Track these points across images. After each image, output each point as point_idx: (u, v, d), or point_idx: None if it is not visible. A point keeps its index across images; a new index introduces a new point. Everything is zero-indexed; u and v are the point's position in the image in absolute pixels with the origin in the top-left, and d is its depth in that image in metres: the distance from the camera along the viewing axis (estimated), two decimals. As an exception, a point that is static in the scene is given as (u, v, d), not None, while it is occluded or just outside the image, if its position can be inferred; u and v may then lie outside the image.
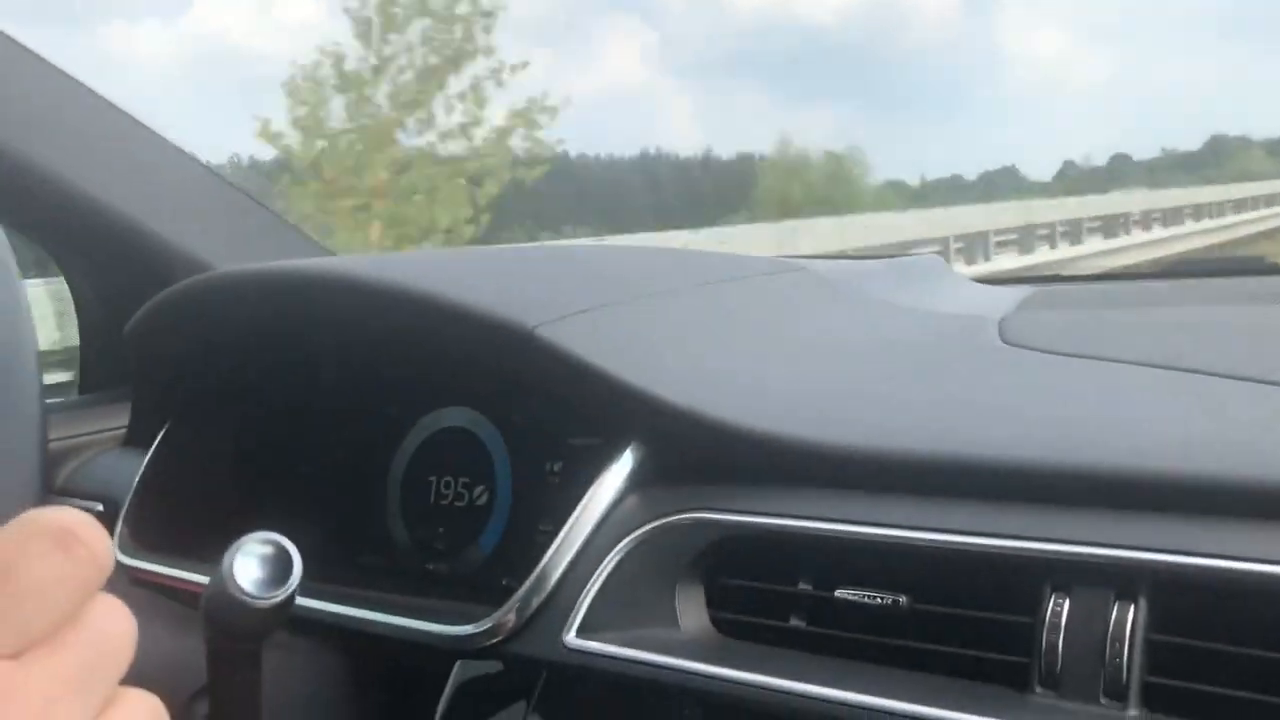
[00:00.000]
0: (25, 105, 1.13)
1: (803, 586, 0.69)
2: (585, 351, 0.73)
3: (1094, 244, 12.41)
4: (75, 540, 0.30)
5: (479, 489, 0.96)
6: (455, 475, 0.98)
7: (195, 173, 1.20)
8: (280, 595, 0.55)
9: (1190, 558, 0.55)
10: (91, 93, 1.17)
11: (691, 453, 0.72)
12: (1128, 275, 1.41)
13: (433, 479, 0.99)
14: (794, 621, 0.69)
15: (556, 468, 0.92)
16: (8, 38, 1.11)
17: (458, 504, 0.97)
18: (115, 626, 0.32)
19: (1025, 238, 11.81)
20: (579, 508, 0.74)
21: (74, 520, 0.31)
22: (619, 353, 0.74)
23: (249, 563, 0.55)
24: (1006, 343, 0.85)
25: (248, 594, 0.55)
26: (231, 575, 0.55)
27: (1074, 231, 12.56)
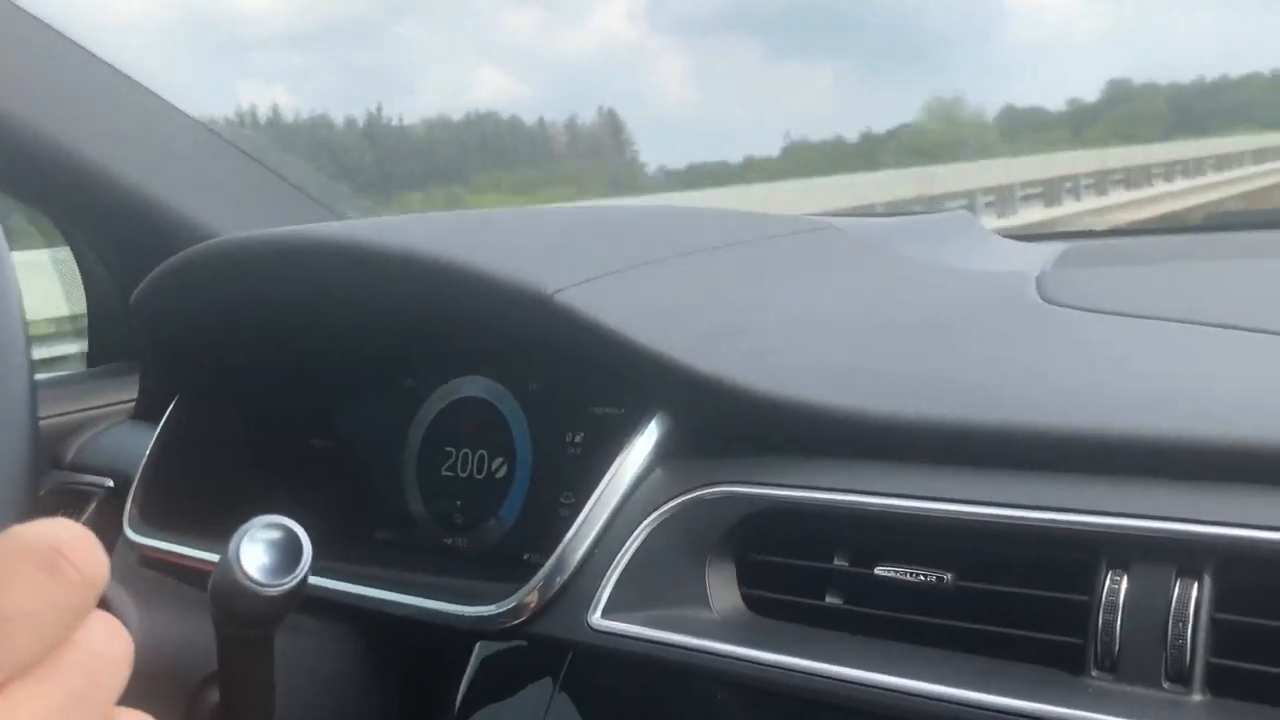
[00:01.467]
0: (26, 71, 1.09)
1: (839, 563, 0.65)
2: (607, 317, 0.69)
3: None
4: (63, 561, 0.28)
5: (498, 460, 0.93)
6: (473, 447, 0.95)
7: (200, 136, 1.16)
8: (289, 582, 0.53)
9: (1259, 531, 0.52)
10: (92, 56, 1.13)
11: (720, 423, 0.69)
12: (1162, 229, 1.37)
13: (451, 451, 0.96)
14: (830, 600, 0.65)
15: (578, 438, 0.88)
16: (7, 2, 1.07)
17: (476, 476, 0.94)
18: (110, 649, 0.30)
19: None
20: (603, 482, 0.70)
21: (62, 537, 0.28)
22: (643, 318, 0.70)
23: (256, 548, 0.52)
24: (1047, 301, 0.81)
25: (255, 581, 0.52)
26: (238, 561, 0.52)
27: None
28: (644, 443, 0.71)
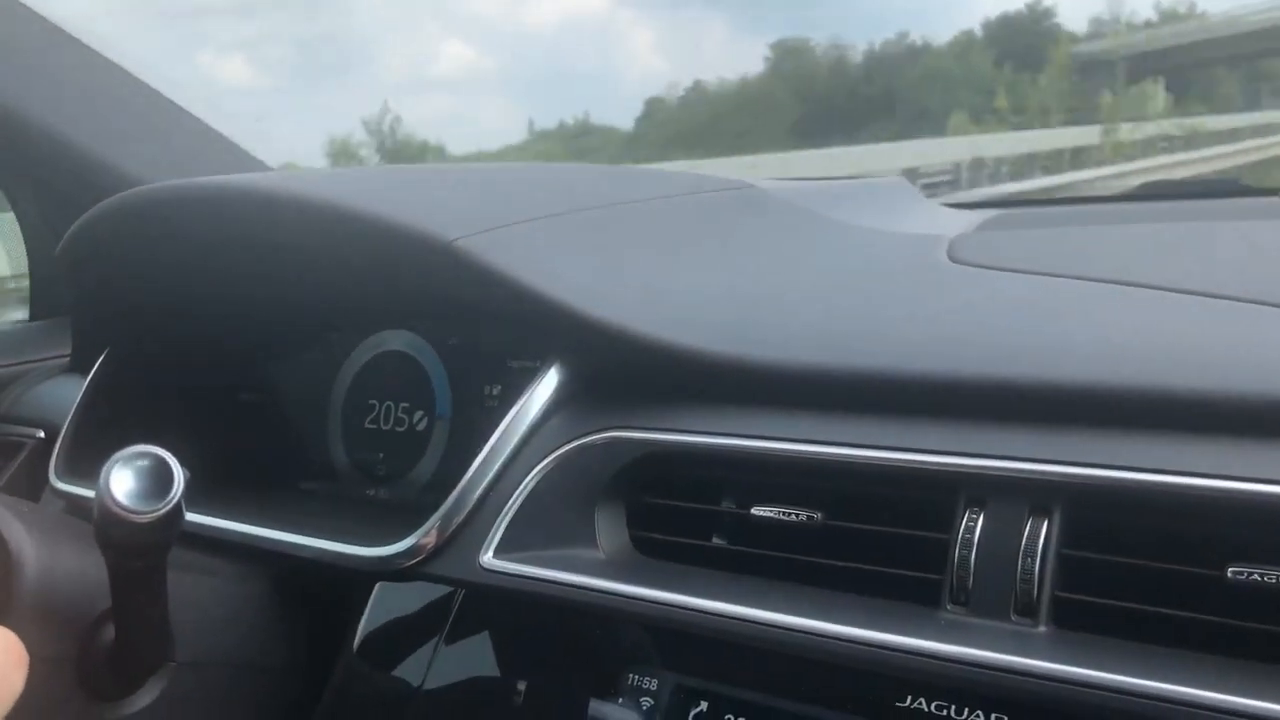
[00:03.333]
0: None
1: (725, 505, 0.67)
2: (505, 265, 0.70)
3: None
4: None
5: (419, 414, 0.94)
6: (396, 400, 0.96)
7: (135, 89, 1.17)
8: (161, 509, 0.54)
9: (1103, 470, 0.53)
10: (30, 11, 1.14)
11: (613, 369, 0.70)
12: (1098, 198, 1.38)
13: (374, 404, 0.97)
14: (716, 541, 0.67)
15: (496, 391, 0.90)
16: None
17: (398, 429, 0.96)
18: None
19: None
20: (500, 426, 0.72)
21: None
22: (540, 266, 0.71)
23: (124, 475, 0.53)
24: (953, 260, 0.82)
25: (124, 508, 0.53)
26: (108, 489, 0.53)
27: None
28: (543, 390, 0.73)
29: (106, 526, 0.55)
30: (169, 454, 0.54)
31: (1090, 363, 0.57)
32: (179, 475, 0.54)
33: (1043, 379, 0.57)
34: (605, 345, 0.69)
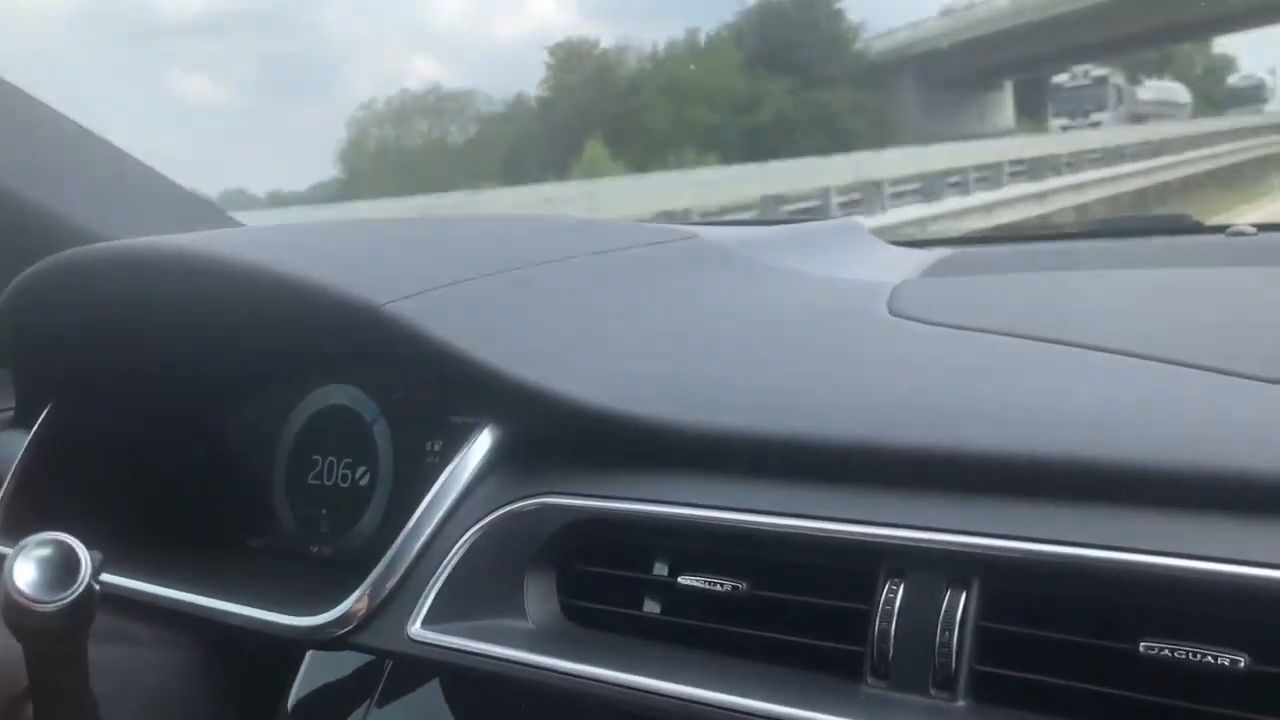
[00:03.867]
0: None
1: (657, 572, 0.67)
2: (435, 329, 0.70)
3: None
4: None
5: (361, 469, 0.94)
6: (339, 455, 0.95)
7: (83, 140, 1.16)
8: (68, 596, 0.53)
9: (1018, 542, 0.53)
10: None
11: (547, 434, 0.70)
12: (1052, 235, 1.39)
13: (318, 459, 0.97)
14: (647, 608, 0.67)
15: (437, 447, 0.89)
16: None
17: (341, 485, 0.95)
18: None
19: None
20: (430, 492, 0.71)
21: None
22: (473, 330, 0.71)
23: (27, 566, 0.53)
24: (893, 313, 0.82)
25: (30, 598, 0.52)
26: (11, 581, 0.52)
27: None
28: (475, 452, 0.72)
29: (15, 617, 0.54)
30: (74, 540, 0.53)
31: (1008, 431, 0.57)
32: (86, 561, 0.53)
33: (959, 448, 0.57)
34: (536, 409, 0.69)
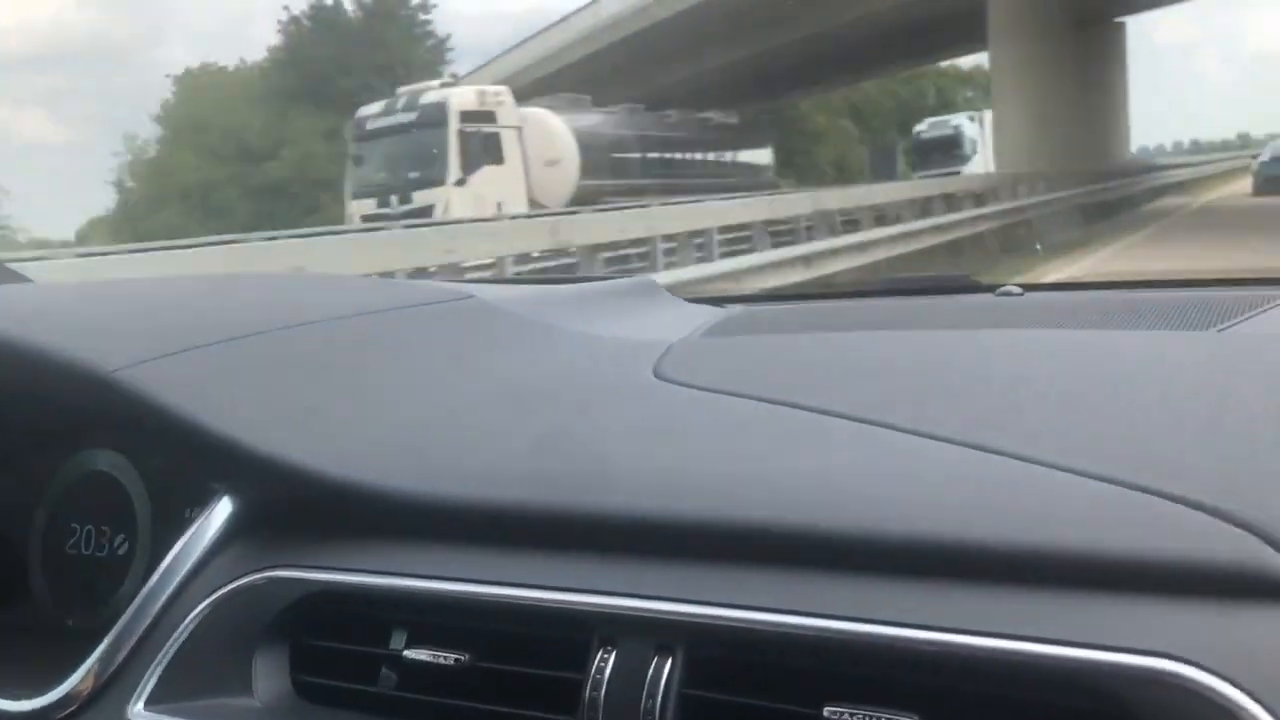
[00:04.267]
0: None
1: (394, 646, 0.66)
2: (165, 395, 0.68)
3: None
4: None
5: (120, 537, 0.90)
6: (97, 523, 0.91)
7: None
8: None
9: (718, 609, 0.54)
10: None
11: (280, 502, 0.69)
12: (841, 293, 1.44)
13: (76, 527, 0.93)
14: (381, 683, 0.65)
15: (194, 514, 0.86)
16: None
17: (99, 554, 0.91)
18: None
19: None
20: (164, 562, 0.69)
21: None
22: (204, 395, 0.69)
23: None
24: (657, 376, 0.83)
25: None
26: None
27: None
28: (213, 521, 0.70)
29: None
30: None
31: (715, 499, 0.58)
32: None
33: (669, 515, 0.58)
34: (268, 477, 0.68)
